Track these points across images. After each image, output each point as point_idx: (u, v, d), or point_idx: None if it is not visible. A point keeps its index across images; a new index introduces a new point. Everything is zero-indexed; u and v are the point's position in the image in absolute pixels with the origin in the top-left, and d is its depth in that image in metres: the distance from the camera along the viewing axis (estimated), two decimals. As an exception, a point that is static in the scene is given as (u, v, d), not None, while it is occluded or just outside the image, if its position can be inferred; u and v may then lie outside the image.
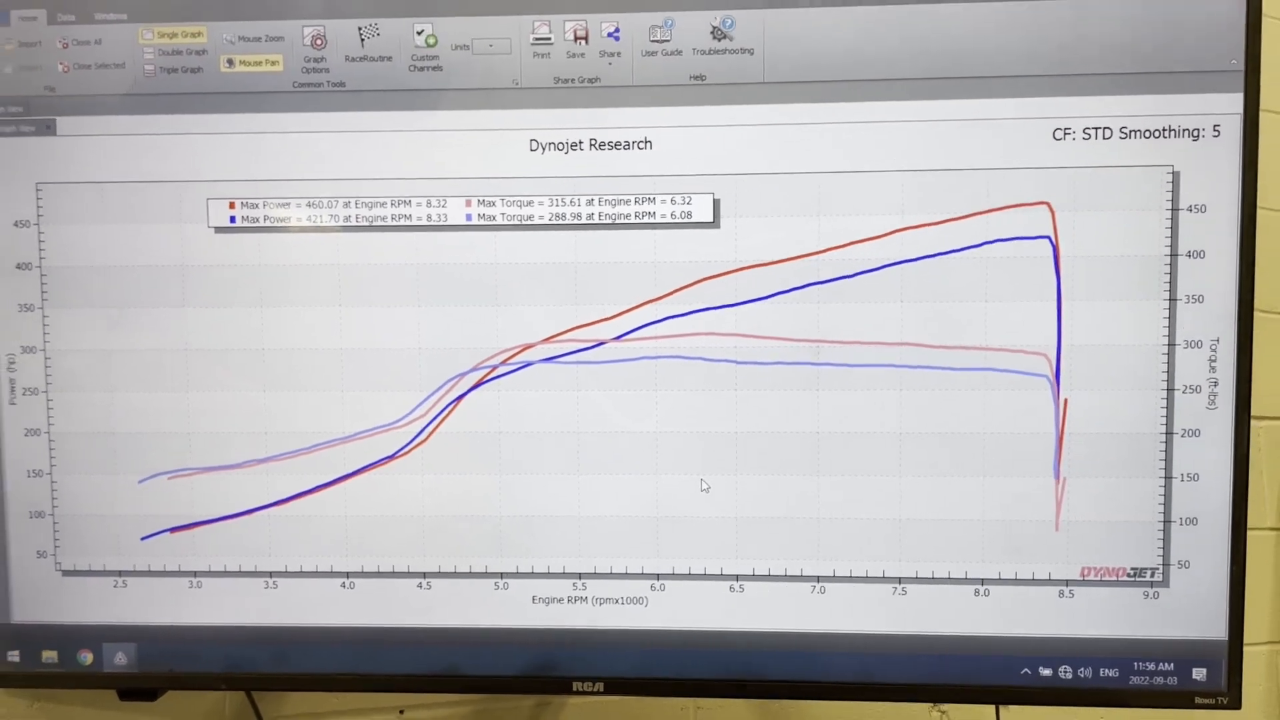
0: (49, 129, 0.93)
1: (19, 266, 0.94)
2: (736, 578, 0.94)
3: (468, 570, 0.95)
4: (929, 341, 0.91)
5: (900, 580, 0.93)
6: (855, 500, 0.93)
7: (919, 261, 0.90)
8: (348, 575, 0.95)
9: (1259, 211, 0.89)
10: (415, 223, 0.92)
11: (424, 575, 0.95)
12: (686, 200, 0.91)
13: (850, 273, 0.91)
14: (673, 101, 0.90)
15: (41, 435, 0.95)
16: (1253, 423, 1.49)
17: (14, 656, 0.97)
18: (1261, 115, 0.88)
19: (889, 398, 0.91)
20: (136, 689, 1.00)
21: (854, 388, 0.91)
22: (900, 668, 0.94)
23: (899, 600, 0.93)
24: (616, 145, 0.91)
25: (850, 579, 0.93)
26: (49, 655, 0.97)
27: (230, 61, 0.92)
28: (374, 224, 0.92)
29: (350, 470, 0.94)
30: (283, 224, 0.93)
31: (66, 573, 0.96)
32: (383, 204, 0.92)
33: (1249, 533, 1.49)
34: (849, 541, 0.93)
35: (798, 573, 0.94)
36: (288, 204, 0.92)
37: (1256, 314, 1.29)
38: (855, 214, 0.90)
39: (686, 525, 0.94)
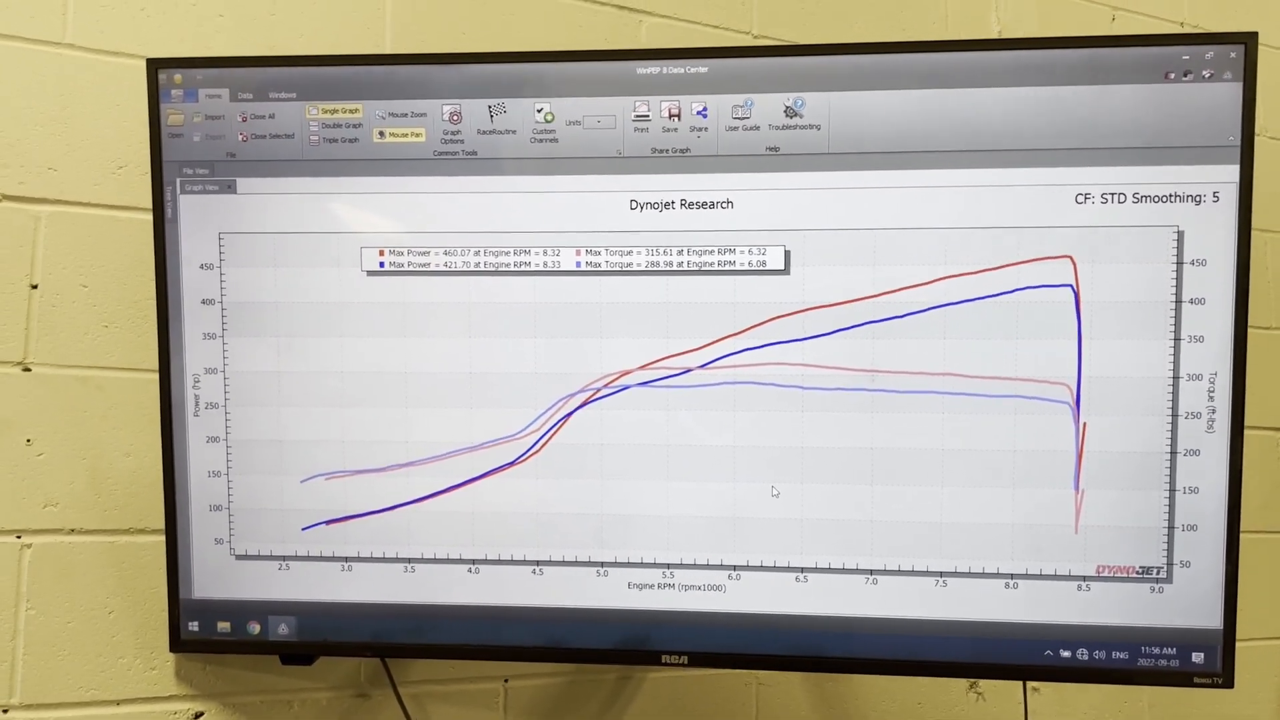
0: (230, 188, 1.12)
1: (204, 302, 1.13)
2: (801, 570, 1.11)
3: (574, 560, 1.12)
4: (968, 372, 1.07)
5: (942, 574, 1.09)
6: (903, 506, 1.09)
7: (959, 305, 1.06)
8: (473, 562, 1.13)
9: (1253, 265, 1.04)
10: (533, 268, 1.10)
11: (537, 563, 1.13)
12: (762, 251, 1.08)
13: (901, 313, 1.07)
14: (751, 169, 1.07)
15: (220, 442, 1.14)
16: (1260, 434, 1.64)
17: (194, 626, 1.16)
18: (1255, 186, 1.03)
19: (933, 420, 1.07)
20: (296, 655, 1.18)
21: (903, 410, 1.08)
22: (941, 649, 1.10)
23: (940, 591, 1.09)
24: (703, 205, 1.08)
25: (899, 572, 1.10)
26: (223, 626, 1.16)
27: (381, 134, 1.10)
28: (499, 269, 1.10)
29: (477, 474, 1.12)
30: (423, 268, 1.11)
31: (239, 557, 1.15)
32: (506, 252, 1.10)
33: (1253, 535, 1.64)
34: (898, 541, 1.09)
35: (854, 567, 1.10)
36: (427, 252, 1.11)
37: (1261, 331, 1.45)
38: (905, 264, 1.07)
39: (759, 525, 1.11)
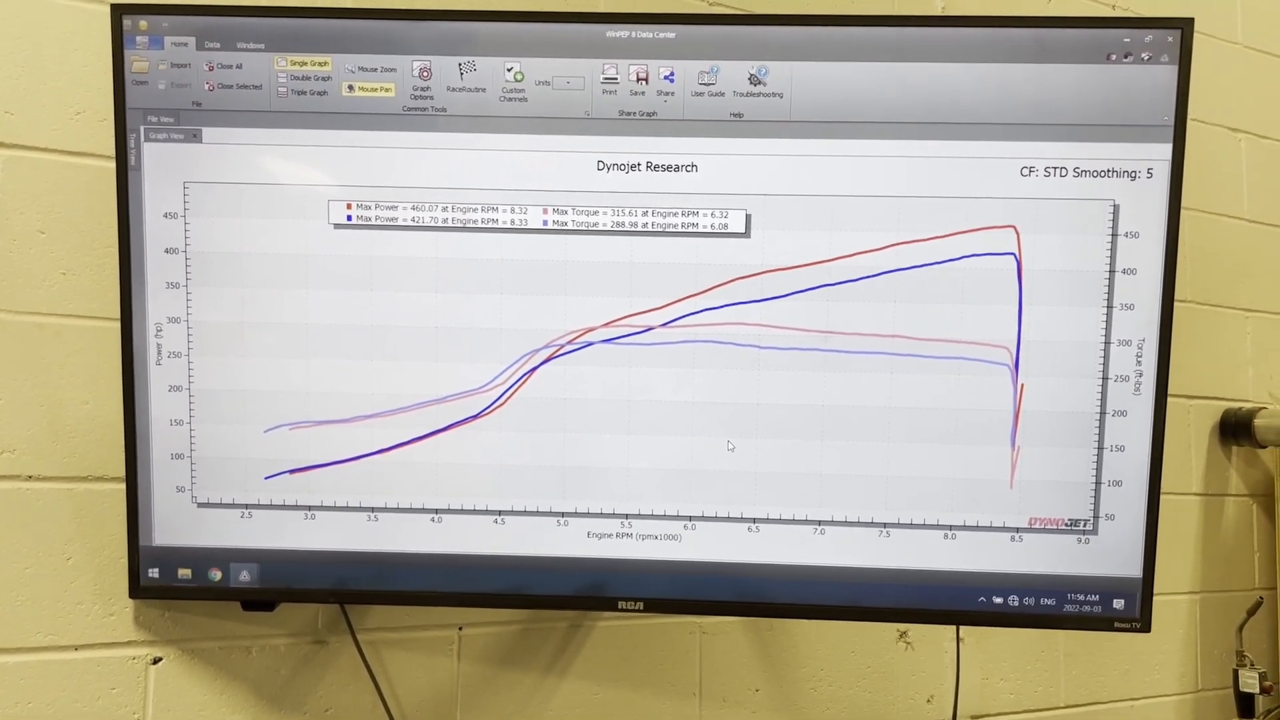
0: (196, 137, 1.12)
1: (167, 251, 1.13)
2: (754, 520, 1.16)
3: (535, 510, 1.16)
4: (915, 334, 1.13)
5: (885, 525, 1.15)
6: (851, 460, 1.14)
7: (909, 270, 1.11)
8: (436, 512, 1.16)
9: (1182, 236, 1.11)
10: (501, 225, 1.12)
11: (499, 513, 1.16)
12: (724, 214, 1.12)
13: (854, 277, 1.12)
14: (715, 134, 1.11)
15: (183, 391, 1.14)
16: (1187, 402, 1.74)
17: (154, 573, 1.17)
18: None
19: (881, 379, 1.13)
20: (257, 601, 1.20)
21: (854, 370, 1.13)
22: (883, 595, 1.16)
23: (884, 541, 1.16)
24: (668, 168, 1.12)
25: (845, 523, 1.16)
26: (184, 573, 1.17)
27: (351, 87, 1.11)
28: (466, 225, 1.12)
29: (441, 426, 1.15)
30: (391, 223, 1.12)
31: (201, 505, 1.16)
32: (474, 209, 1.12)
33: (1176, 497, 1.75)
34: (845, 493, 1.15)
35: (803, 518, 1.16)
36: (395, 207, 1.12)
37: (1202, 307, 1.55)
38: (859, 230, 1.12)
39: (714, 477, 1.15)
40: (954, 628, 1.58)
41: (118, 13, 1.11)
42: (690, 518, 1.16)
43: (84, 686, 1.17)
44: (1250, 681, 1.67)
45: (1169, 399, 1.15)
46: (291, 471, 1.15)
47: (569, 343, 1.13)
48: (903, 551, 1.15)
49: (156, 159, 1.11)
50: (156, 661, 1.21)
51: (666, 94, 1.11)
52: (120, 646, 1.20)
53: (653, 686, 1.46)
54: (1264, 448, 1.79)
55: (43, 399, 1.17)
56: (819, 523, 1.15)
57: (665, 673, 1.46)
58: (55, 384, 1.17)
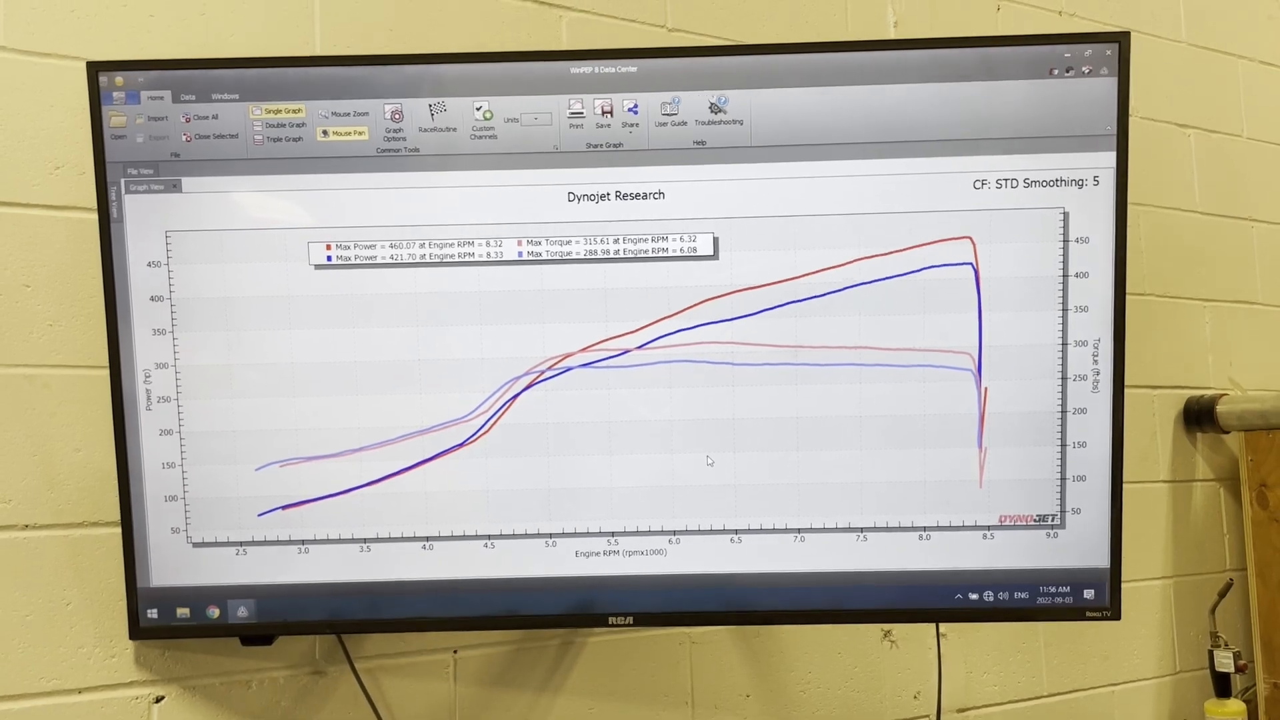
0: (176, 187, 1.15)
1: (153, 299, 1.16)
2: (735, 532, 1.20)
3: (524, 533, 1.20)
4: (880, 345, 1.17)
5: (862, 530, 1.20)
6: (826, 468, 1.19)
7: (872, 284, 1.16)
8: (427, 539, 1.19)
9: (1129, 239, 1.16)
10: (477, 259, 1.16)
11: (489, 538, 1.19)
12: (692, 238, 1.16)
13: (819, 293, 1.17)
14: (680, 161, 1.15)
15: (174, 434, 1.17)
16: (1151, 392, 1.80)
17: (153, 614, 1.19)
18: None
19: (850, 390, 1.17)
20: (256, 636, 1.23)
21: (823, 382, 1.17)
22: (863, 597, 1.21)
23: (861, 545, 1.20)
24: (636, 196, 1.16)
25: (824, 530, 1.20)
26: (182, 611, 1.20)
27: (325, 132, 1.15)
28: (444, 260, 1.16)
29: (428, 455, 1.18)
30: (370, 261, 1.16)
31: (196, 545, 1.19)
32: (451, 244, 1.16)
33: (1144, 485, 1.80)
34: (822, 501, 1.19)
35: (783, 526, 1.20)
36: (374, 245, 1.16)
37: (1161, 299, 1.61)
38: (822, 247, 1.16)
39: (695, 492, 1.19)
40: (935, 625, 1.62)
41: (94, 69, 1.14)
42: (674, 532, 1.20)
43: (88, 729, 1.20)
44: (1225, 661, 1.72)
45: (1132, 390, 1.20)
46: (284, 507, 1.18)
47: (549, 369, 1.17)
48: (880, 554, 1.20)
49: (138, 210, 1.14)
50: (159, 700, 1.23)
51: (631, 125, 1.15)
52: (123, 687, 1.22)
53: (646, 698, 1.50)
54: (1227, 433, 1.85)
55: (35, 448, 1.19)
56: (799, 530, 1.19)
57: (657, 684, 1.50)
58: (47, 433, 1.20)
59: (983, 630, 1.72)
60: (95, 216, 1.16)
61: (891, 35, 1.71)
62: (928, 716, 1.67)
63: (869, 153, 1.14)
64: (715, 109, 1.14)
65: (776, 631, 1.57)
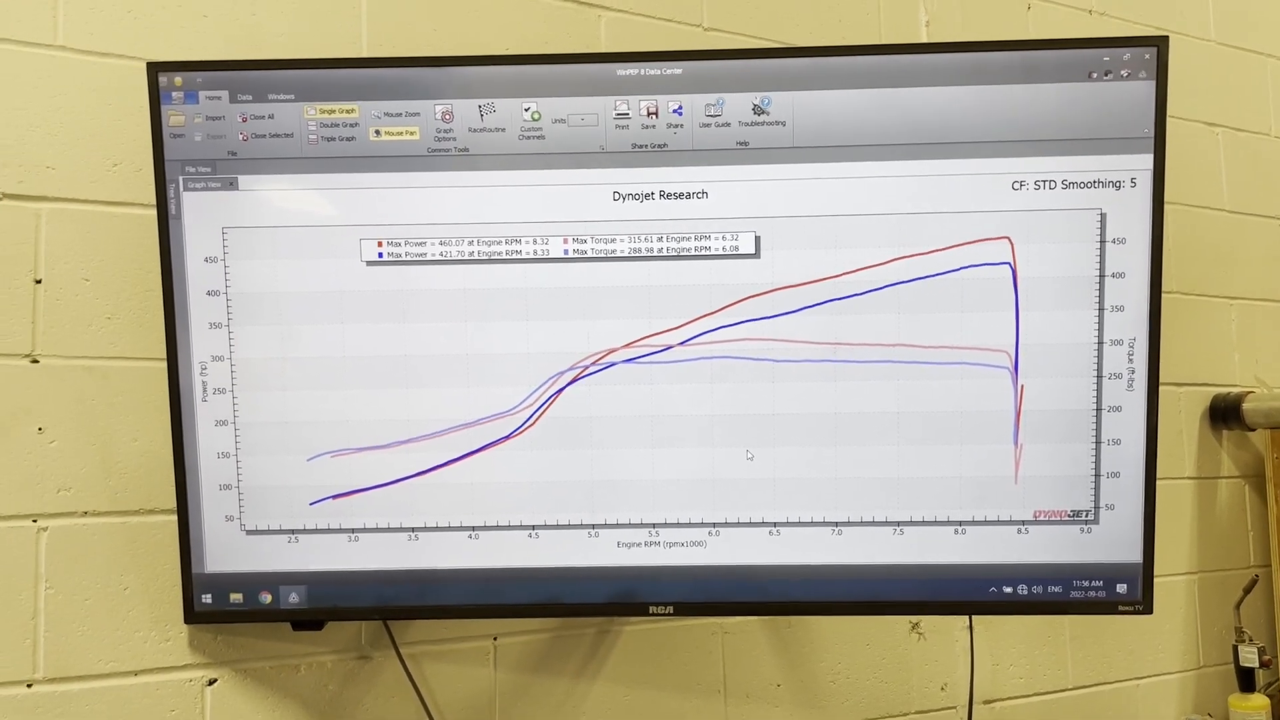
0: (232, 185, 1.18)
1: (209, 293, 1.19)
2: (774, 525, 1.22)
3: (567, 523, 1.22)
4: (919, 343, 1.19)
5: (899, 524, 1.22)
6: (864, 464, 1.21)
7: (911, 283, 1.18)
8: (473, 529, 1.22)
9: (1166, 230, 1.18)
10: (524, 256, 1.19)
11: (533, 528, 1.23)
12: (734, 237, 1.19)
13: (859, 291, 1.19)
14: (723, 162, 1.18)
15: (229, 425, 1.20)
16: (1177, 390, 1.81)
17: (207, 599, 1.23)
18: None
19: (889, 386, 1.20)
20: (306, 621, 1.27)
21: (862, 378, 1.20)
22: (900, 589, 1.23)
23: (898, 539, 1.22)
24: (680, 195, 1.18)
25: (861, 523, 1.22)
26: (236, 597, 1.23)
27: (377, 132, 1.18)
28: (492, 258, 1.19)
29: (475, 448, 1.21)
30: (420, 258, 1.19)
31: (249, 532, 1.22)
32: (499, 242, 1.19)
33: (1171, 482, 1.82)
34: (860, 495, 1.22)
35: (821, 520, 1.22)
36: (424, 243, 1.19)
37: (1188, 297, 1.62)
38: (862, 246, 1.18)
39: (735, 485, 1.22)
40: (964, 617, 1.65)
41: (153, 69, 1.17)
42: (714, 524, 1.22)
43: (145, 710, 1.24)
44: (1250, 656, 1.74)
45: (1160, 388, 1.22)
46: (335, 497, 1.21)
47: (593, 364, 1.20)
48: (916, 548, 1.22)
49: (195, 207, 1.18)
50: (212, 683, 1.27)
51: (676, 126, 1.17)
52: (177, 670, 1.26)
53: (679, 686, 1.53)
54: (1253, 430, 1.86)
55: (94, 438, 1.23)
56: (836, 524, 1.22)
57: (690, 673, 1.53)
58: (106, 423, 1.23)
59: (1009, 624, 1.74)
60: (151, 212, 1.20)
61: (924, 35, 1.73)
62: (954, 708, 1.69)
63: (909, 154, 1.17)
64: (758, 110, 1.17)
65: (807, 622, 1.60)
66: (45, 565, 1.20)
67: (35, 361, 1.21)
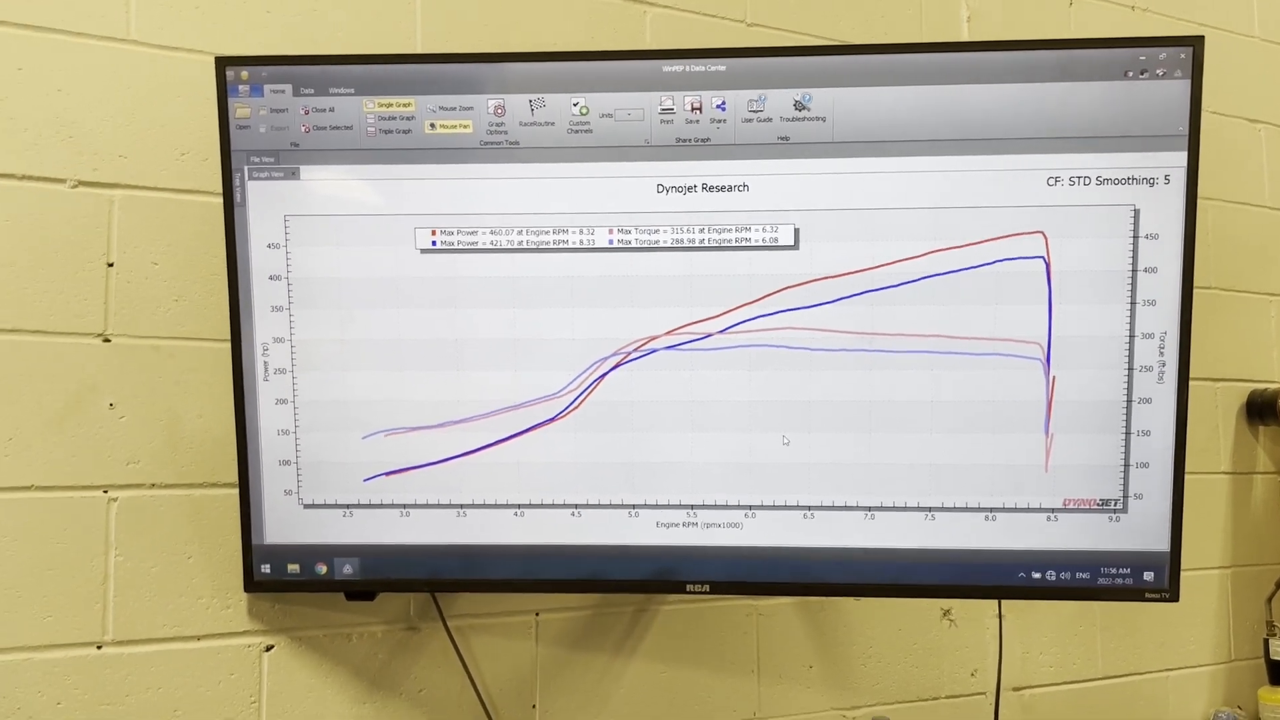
0: (294, 175, 1.24)
1: (271, 278, 1.25)
2: (809, 508, 1.27)
3: (608, 503, 1.27)
4: (953, 334, 1.23)
5: (930, 509, 1.26)
6: (897, 450, 1.25)
7: (946, 275, 1.22)
8: (519, 507, 1.27)
9: (1198, 237, 1.20)
10: (571, 245, 1.24)
11: (576, 507, 1.27)
12: (774, 229, 1.22)
13: (895, 283, 1.22)
14: (764, 156, 1.22)
15: (288, 403, 1.26)
16: (1214, 385, 1.83)
17: (265, 569, 1.29)
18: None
19: (923, 375, 1.23)
20: (359, 592, 1.33)
21: (897, 368, 1.23)
22: (930, 573, 1.26)
23: (929, 524, 1.26)
24: (722, 188, 1.22)
25: (893, 509, 1.26)
26: (293, 568, 1.29)
27: (432, 125, 1.23)
28: (539, 247, 1.24)
29: (521, 429, 1.26)
30: (472, 246, 1.24)
31: (306, 506, 1.28)
32: (546, 231, 1.23)
33: (1206, 476, 1.83)
34: (892, 481, 1.25)
35: (854, 504, 1.26)
36: (475, 232, 1.24)
37: (1226, 293, 1.64)
38: (899, 239, 1.22)
39: (771, 470, 1.26)
40: (995, 605, 1.68)
41: (221, 64, 1.23)
42: (750, 507, 1.26)
43: (206, 673, 1.30)
44: (1280, 650, 1.76)
45: (1196, 383, 1.25)
46: (387, 474, 1.27)
47: (635, 350, 1.24)
48: (947, 533, 1.26)
49: (259, 195, 1.23)
50: (269, 649, 1.33)
51: (719, 121, 1.21)
52: (236, 636, 1.32)
53: (714, 665, 1.57)
54: (1289, 426, 1.87)
55: (162, 414, 1.30)
56: (869, 508, 1.26)
57: (725, 652, 1.58)
58: (173, 400, 1.30)
59: (1040, 612, 1.77)
60: (217, 200, 1.26)
61: (965, 31, 1.75)
62: (984, 694, 1.72)
63: (946, 149, 1.20)
64: (800, 106, 1.20)
65: (839, 606, 1.64)
66: (115, 534, 1.27)
67: (107, 341, 1.28)
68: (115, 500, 1.27)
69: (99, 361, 1.27)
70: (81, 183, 1.27)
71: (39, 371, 1.24)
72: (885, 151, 1.20)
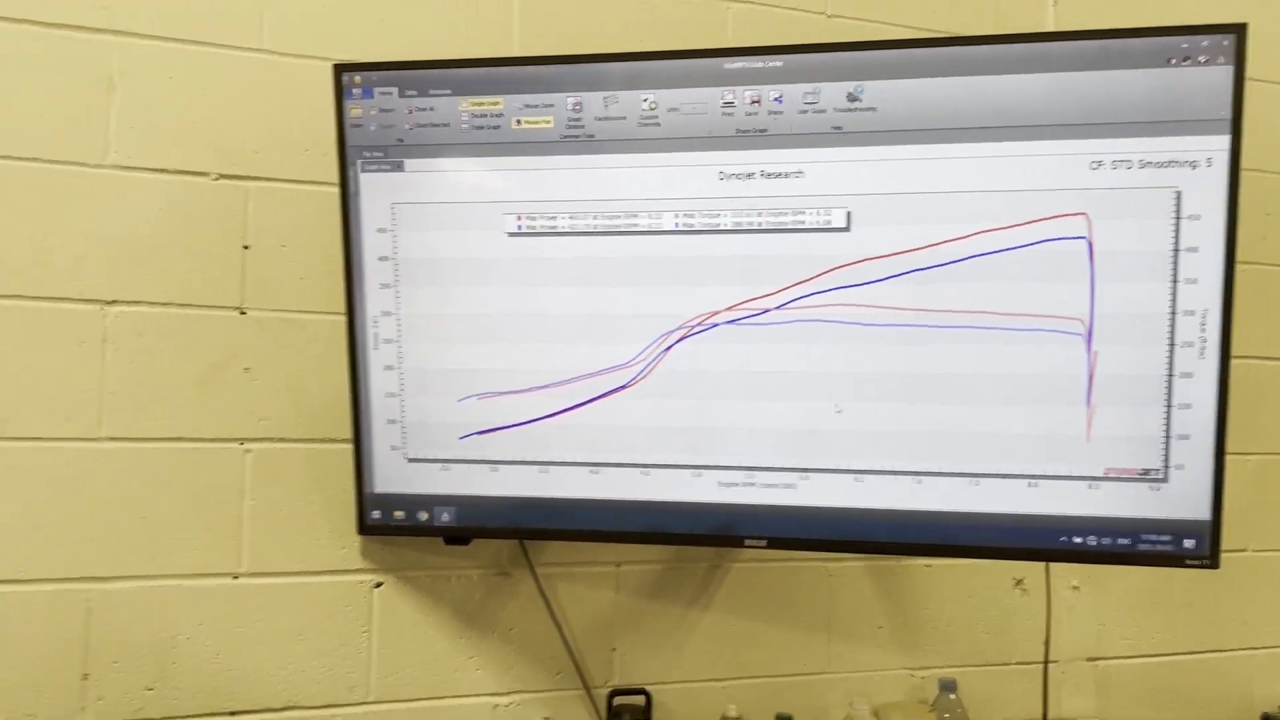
0: (400, 167, 1.40)
1: (380, 259, 1.42)
2: (859, 473, 1.36)
3: (674, 463, 1.40)
4: (998, 310, 1.30)
5: (975, 476, 1.33)
6: (944, 420, 1.33)
7: (992, 255, 1.29)
8: (594, 465, 1.41)
9: (1244, 207, 1.24)
10: (640, 229, 1.36)
11: (645, 466, 1.40)
12: (827, 212, 1.32)
13: (943, 262, 1.30)
14: (818, 144, 1.31)
15: (395, 370, 1.43)
16: (1256, 363, 1.81)
17: (375, 515, 1.47)
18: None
19: (969, 350, 1.31)
20: (456, 538, 1.49)
21: (944, 342, 1.31)
22: (975, 535, 1.34)
23: (974, 489, 1.33)
24: (778, 175, 1.33)
25: (940, 474, 1.34)
26: (399, 514, 1.47)
27: (518, 121, 1.37)
28: (612, 230, 1.37)
29: (596, 395, 1.39)
30: (552, 230, 1.38)
31: (410, 460, 1.45)
32: (618, 216, 1.36)
33: (1248, 457, 1.80)
34: (939, 449, 1.33)
35: (903, 469, 1.35)
36: (555, 217, 1.38)
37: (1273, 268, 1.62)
38: (946, 221, 1.29)
39: (824, 436, 1.36)
40: (1068, 576, 1.73)
41: (339, 70, 1.40)
42: (804, 470, 1.37)
43: (324, 604, 1.49)
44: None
45: (1240, 360, 1.27)
46: (480, 433, 1.43)
47: (698, 324, 1.36)
48: (991, 498, 1.33)
49: (370, 186, 1.40)
50: (378, 586, 1.52)
51: (776, 113, 1.31)
52: (350, 573, 1.51)
53: (785, 621, 1.68)
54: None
55: (289, 377, 1.49)
56: (917, 474, 1.34)
57: (796, 609, 1.68)
58: (298, 365, 1.49)
59: (1117, 584, 1.81)
60: (335, 190, 1.43)
61: (1051, 15, 1.79)
62: (1055, 662, 1.77)
63: (992, 136, 1.27)
64: (852, 98, 1.29)
65: (909, 571, 1.72)
66: (249, 481, 1.47)
67: (243, 313, 1.47)
68: (249, 452, 1.47)
69: (236, 331, 1.47)
70: (222, 175, 1.47)
71: (186, 339, 1.45)
72: (933, 139, 1.28)
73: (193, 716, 1.43)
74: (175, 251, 1.44)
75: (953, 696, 1.68)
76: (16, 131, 1.38)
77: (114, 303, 1.42)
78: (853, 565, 1.72)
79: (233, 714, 1.45)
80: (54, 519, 1.39)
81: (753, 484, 1.38)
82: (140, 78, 1.43)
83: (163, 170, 1.44)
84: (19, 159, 1.38)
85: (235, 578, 1.47)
